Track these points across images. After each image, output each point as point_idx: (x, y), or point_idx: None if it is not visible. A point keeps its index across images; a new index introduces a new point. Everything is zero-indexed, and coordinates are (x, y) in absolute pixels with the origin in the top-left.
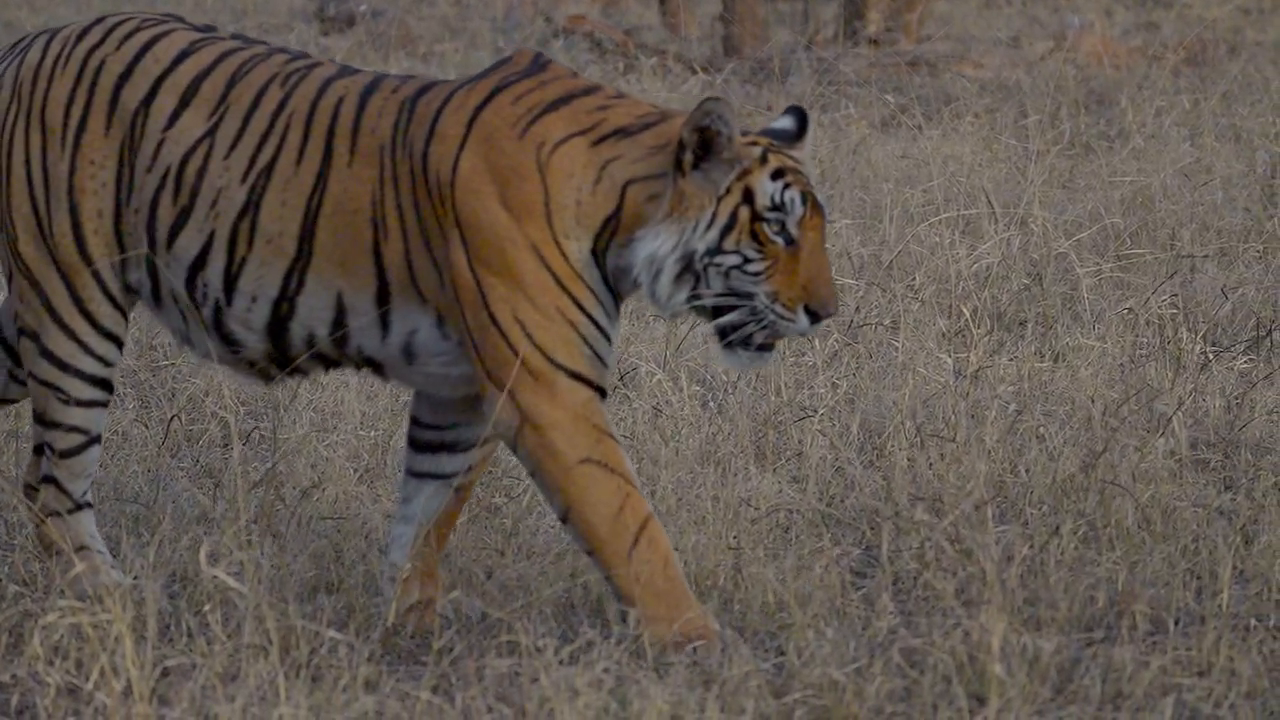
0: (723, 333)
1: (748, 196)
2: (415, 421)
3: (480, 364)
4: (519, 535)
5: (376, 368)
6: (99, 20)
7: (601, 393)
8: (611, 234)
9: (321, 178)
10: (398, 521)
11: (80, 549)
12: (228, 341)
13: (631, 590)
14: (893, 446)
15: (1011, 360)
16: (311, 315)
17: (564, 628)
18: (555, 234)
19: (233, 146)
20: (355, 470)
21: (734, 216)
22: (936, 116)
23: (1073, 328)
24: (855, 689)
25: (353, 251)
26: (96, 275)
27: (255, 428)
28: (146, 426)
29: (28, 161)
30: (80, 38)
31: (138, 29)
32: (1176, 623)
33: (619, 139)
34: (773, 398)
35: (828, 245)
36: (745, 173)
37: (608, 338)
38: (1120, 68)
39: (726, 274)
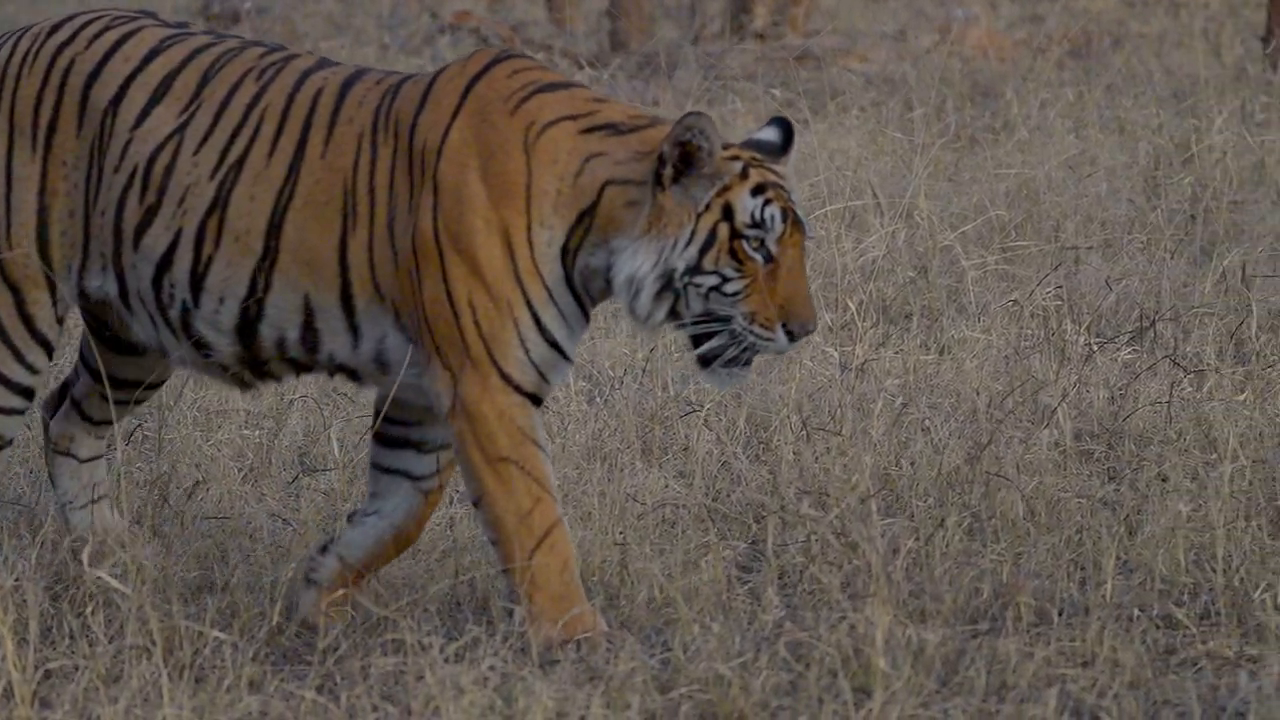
0: (703, 359)
1: (727, 213)
2: (379, 413)
3: (428, 334)
4: None
5: (352, 375)
6: (69, 18)
7: (534, 399)
8: (586, 230)
9: (293, 170)
10: (363, 514)
11: None
12: (198, 345)
13: (524, 589)
14: (779, 441)
15: (897, 353)
16: (280, 317)
17: (449, 625)
18: (531, 219)
19: (203, 142)
20: (240, 469)
21: (713, 234)
22: (823, 110)
23: (958, 320)
24: (741, 683)
25: (319, 247)
26: (51, 281)
27: (139, 426)
28: (29, 427)
29: None
30: (49, 36)
31: (107, 27)
32: (1061, 614)
33: (608, 134)
34: (659, 393)
35: (808, 260)
36: (725, 189)
37: (555, 346)
38: (1005, 60)
39: (706, 295)
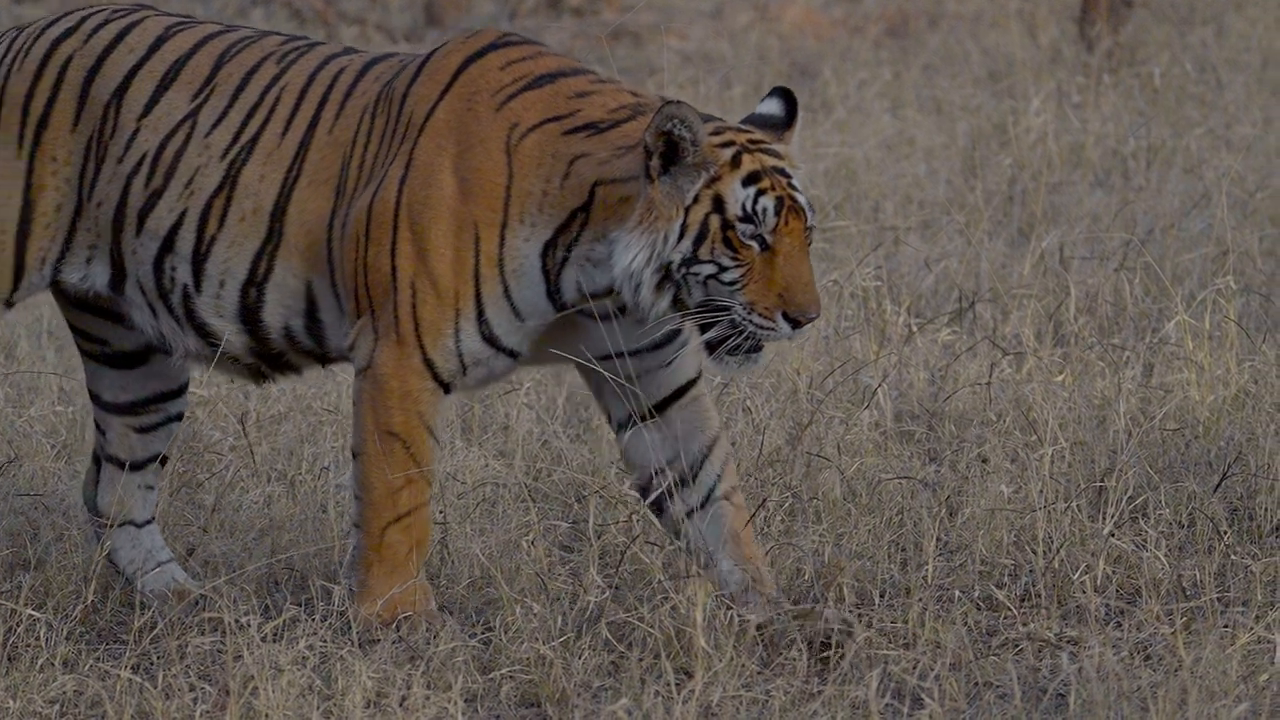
0: (709, 346)
1: (718, 205)
2: (644, 492)
3: (365, 295)
4: (221, 511)
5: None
6: (66, 14)
7: (445, 388)
8: (581, 225)
9: (303, 147)
10: (708, 570)
11: None
12: (203, 334)
13: (366, 559)
14: (599, 420)
15: None
16: (282, 304)
17: (267, 605)
18: (508, 217)
19: (216, 124)
20: (53, 446)
21: (705, 225)
22: (641, 88)
23: None
24: (563, 664)
25: (315, 227)
26: (20, 273)
27: None
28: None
29: None
30: (43, 32)
31: (107, 20)
32: (882, 595)
33: (589, 135)
34: None
35: (811, 245)
36: (715, 179)
37: (492, 342)
38: (823, 39)
39: (704, 283)
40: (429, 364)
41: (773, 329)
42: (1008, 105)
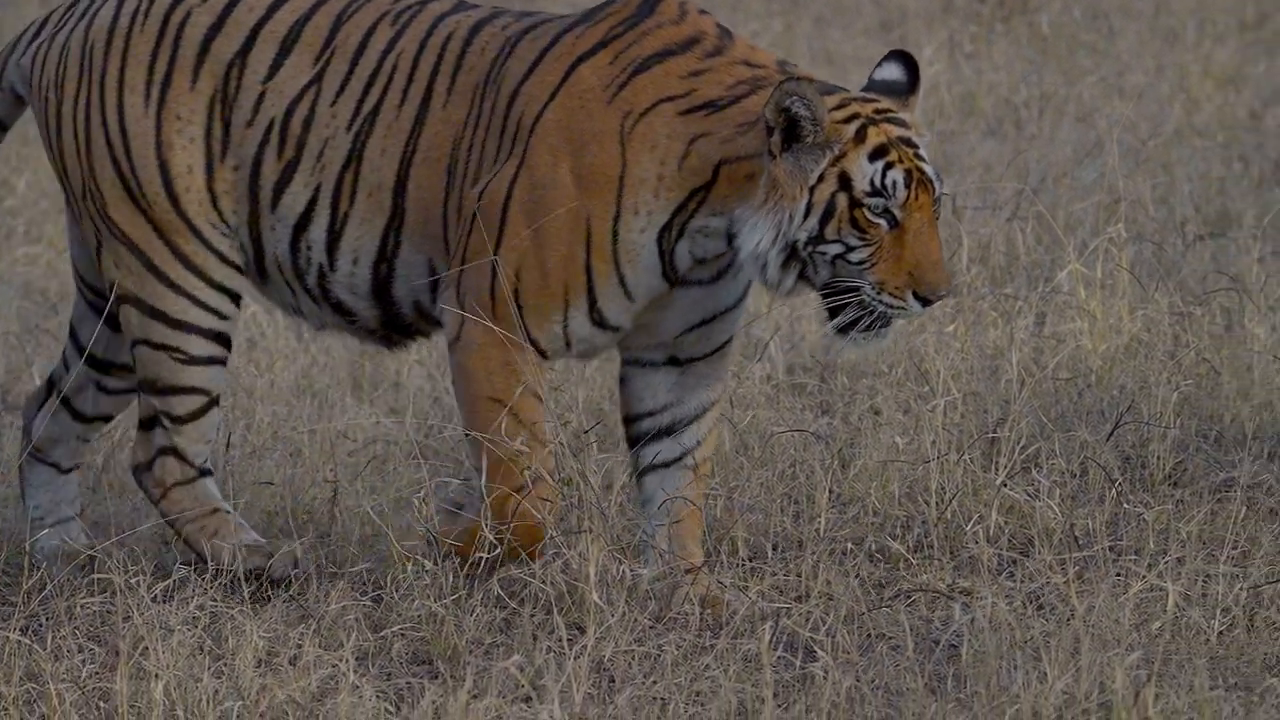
0: (839, 328)
1: (844, 182)
2: (629, 420)
3: (460, 275)
4: (111, 471)
5: None
6: None
7: (545, 357)
8: (700, 203)
9: (419, 121)
10: (649, 523)
11: (213, 512)
12: (339, 311)
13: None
14: None
15: None
16: (411, 279)
17: (157, 565)
18: (621, 207)
19: (340, 92)
20: None
21: (832, 204)
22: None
23: None
24: (455, 621)
25: (431, 206)
26: (197, 232)
27: None
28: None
29: (105, 124)
30: None
31: None
32: (775, 548)
33: (708, 114)
34: None
35: (939, 216)
36: (840, 156)
37: (601, 325)
38: None
39: (832, 262)
40: (533, 342)
41: (904, 308)
42: None
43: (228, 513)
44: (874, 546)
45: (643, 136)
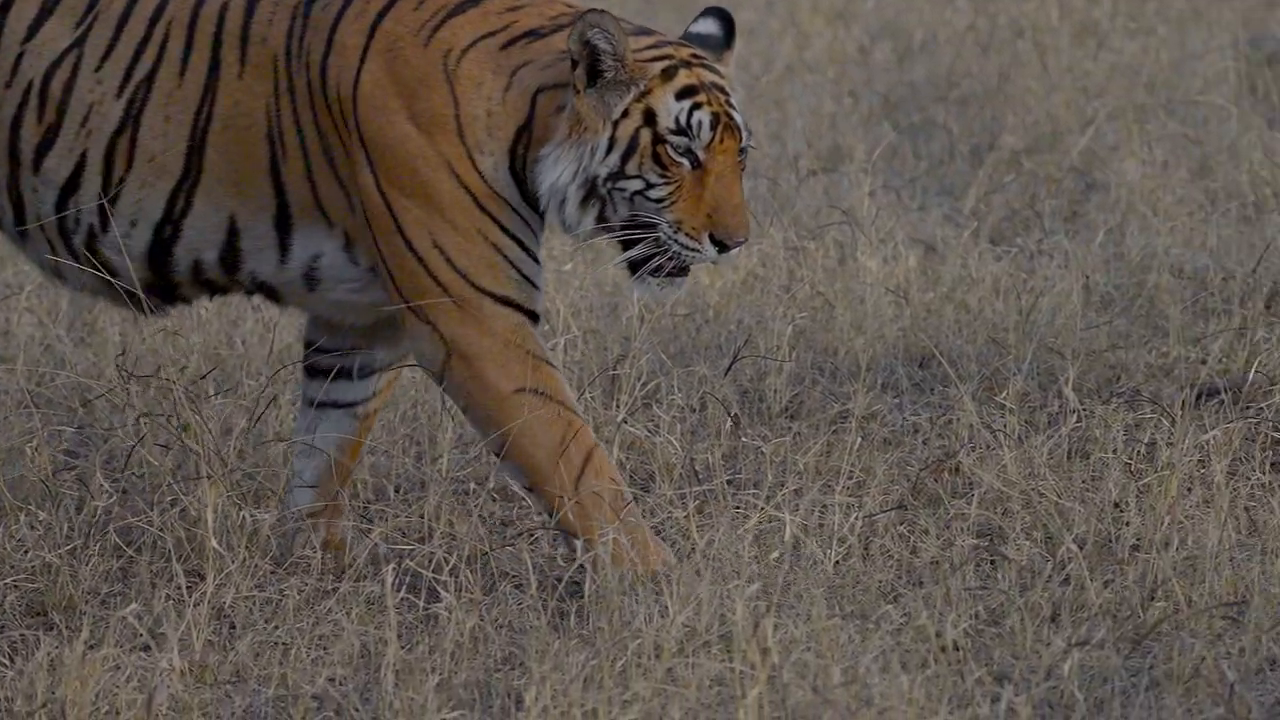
0: (632, 265)
1: (649, 118)
2: (311, 344)
3: (397, 293)
4: None
5: (270, 293)
6: None
7: (533, 317)
8: (525, 147)
9: (209, 90)
10: (299, 457)
11: None
12: (104, 270)
13: (582, 523)
14: (104, 323)
15: None
16: (199, 239)
17: None
18: (468, 148)
19: (104, 57)
20: None
21: (635, 139)
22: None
23: None
24: (70, 571)
25: (247, 170)
26: None
27: None
28: None
29: None
30: None
31: None
32: (397, 489)
33: (529, 41)
34: None
35: (744, 169)
36: (646, 93)
37: (535, 259)
38: None
39: (630, 199)
40: (505, 301)
41: (698, 250)
42: None
43: None
44: (496, 486)
45: (467, 74)
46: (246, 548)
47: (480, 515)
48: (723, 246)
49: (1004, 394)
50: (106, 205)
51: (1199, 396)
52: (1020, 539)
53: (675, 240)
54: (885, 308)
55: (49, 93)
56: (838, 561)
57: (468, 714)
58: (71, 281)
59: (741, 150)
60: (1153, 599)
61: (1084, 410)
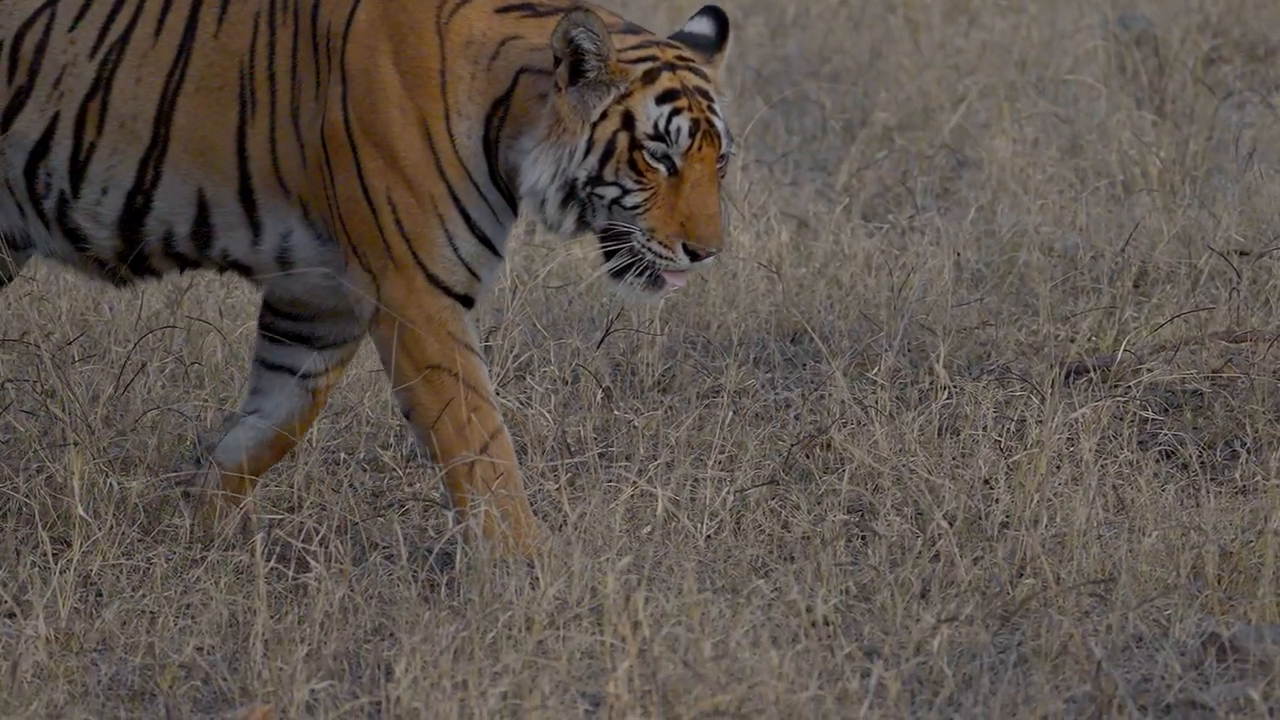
0: (612, 272)
1: (628, 121)
2: (269, 307)
3: (344, 234)
4: None
5: (245, 271)
6: None
7: (465, 301)
8: (501, 121)
9: (183, 51)
10: (243, 414)
11: None
12: (73, 238)
13: (466, 499)
14: None
15: None
16: (169, 211)
17: None
18: (448, 107)
19: (79, 18)
20: None
21: (612, 143)
22: None
23: None
24: None
25: (214, 137)
26: None
27: None
28: None
29: None
30: None
31: None
32: None
33: (524, 15)
34: None
35: (724, 176)
36: (625, 95)
37: (487, 242)
38: None
39: (609, 208)
40: (435, 280)
41: (670, 259)
42: None
43: None
44: (366, 456)
45: (458, 30)
46: (114, 515)
47: (351, 485)
48: (695, 256)
49: (875, 370)
50: (77, 170)
51: (1068, 374)
52: (891, 515)
53: (648, 248)
54: (758, 283)
55: (20, 53)
56: (709, 536)
57: (337, 684)
58: (40, 248)
59: (721, 158)
60: (1021, 576)
61: (954, 387)
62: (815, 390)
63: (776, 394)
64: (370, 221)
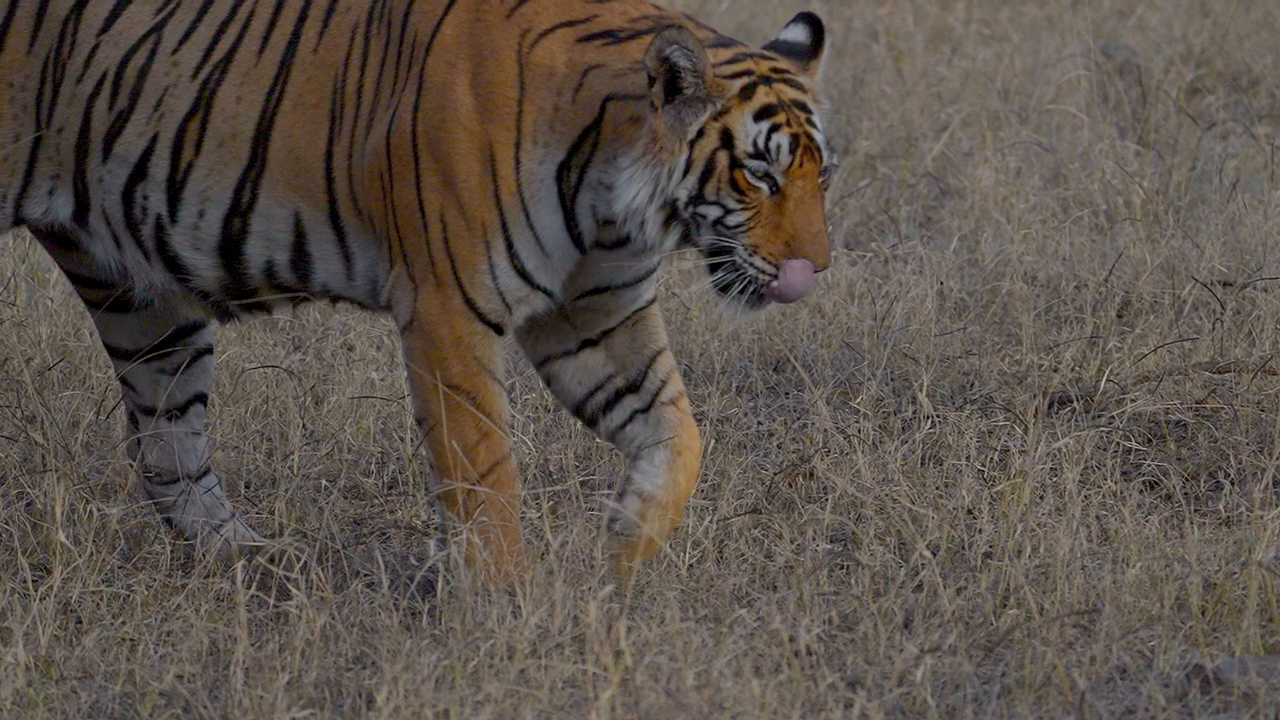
0: (718, 286)
1: (726, 140)
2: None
3: (396, 239)
4: None
5: (360, 305)
6: None
7: (496, 329)
8: (593, 146)
9: (284, 67)
10: (647, 445)
11: None
12: (174, 268)
13: (458, 522)
14: None
15: None
16: (268, 237)
17: None
18: (521, 136)
19: (184, 39)
20: None
21: (712, 161)
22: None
23: None
24: None
25: (307, 155)
26: None
27: None
28: None
29: None
30: None
31: None
32: (248, 485)
33: (606, 43)
34: None
35: (827, 189)
36: (723, 112)
37: (524, 276)
38: None
39: (713, 227)
40: (471, 304)
41: (775, 277)
42: None
43: None
44: (348, 484)
45: (540, 60)
46: (94, 542)
47: (333, 512)
48: None
49: (858, 399)
50: (174, 191)
51: (1051, 404)
52: (874, 544)
53: (751, 264)
54: None
55: (123, 79)
56: (692, 564)
57: (318, 713)
58: (138, 282)
59: (823, 172)
60: (1005, 606)
61: (937, 416)
62: (798, 419)
63: (759, 422)
64: (420, 233)
